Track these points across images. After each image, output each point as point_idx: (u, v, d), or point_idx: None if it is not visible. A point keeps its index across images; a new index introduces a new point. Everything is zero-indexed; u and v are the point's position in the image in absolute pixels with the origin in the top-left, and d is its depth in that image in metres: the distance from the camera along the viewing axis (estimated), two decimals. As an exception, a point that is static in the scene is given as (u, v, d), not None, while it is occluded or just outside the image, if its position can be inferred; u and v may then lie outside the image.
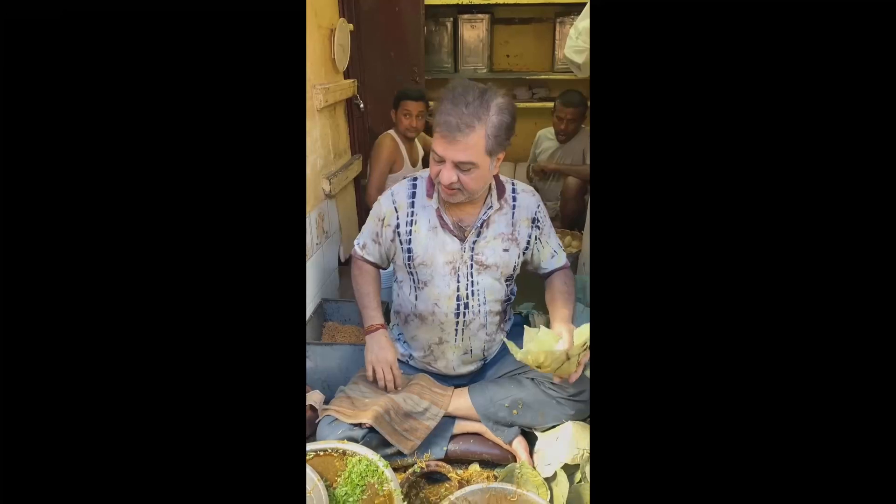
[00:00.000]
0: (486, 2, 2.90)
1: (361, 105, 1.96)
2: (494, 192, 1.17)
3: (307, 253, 1.52)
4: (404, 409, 1.17)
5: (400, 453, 1.14)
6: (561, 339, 1.10)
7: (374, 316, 1.23)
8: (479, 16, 2.98)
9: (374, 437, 1.12)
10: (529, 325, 1.37)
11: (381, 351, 1.19)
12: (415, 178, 1.21)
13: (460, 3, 2.90)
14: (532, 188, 1.25)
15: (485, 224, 1.17)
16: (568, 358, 1.05)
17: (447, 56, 3.09)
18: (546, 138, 2.53)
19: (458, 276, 1.17)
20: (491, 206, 1.16)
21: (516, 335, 1.32)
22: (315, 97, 1.50)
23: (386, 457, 1.10)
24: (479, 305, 1.20)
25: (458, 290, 1.18)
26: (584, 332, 1.08)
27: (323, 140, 1.62)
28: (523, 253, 1.23)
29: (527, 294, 1.89)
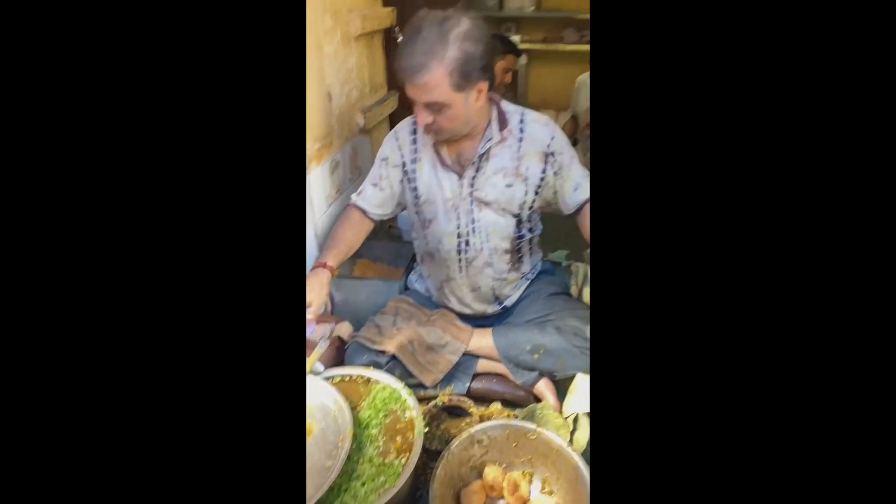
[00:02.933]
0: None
1: (400, 38, 1.87)
2: (495, 124, 1.08)
3: (341, 188, 1.50)
4: (427, 342, 1.18)
5: (422, 385, 1.16)
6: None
7: (327, 255, 1.13)
8: (530, -54, 2.76)
9: (397, 366, 1.15)
10: (566, 274, 1.32)
11: (312, 286, 1.08)
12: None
13: (510, -70, 2.68)
14: (546, 118, 1.14)
15: (484, 158, 1.10)
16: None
17: (427, 10, 2.90)
18: (586, 84, 2.37)
19: (459, 213, 1.14)
20: (491, 139, 1.08)
21: (544, 283, 1.30)
22: (352, 23, 1.44)
23: (409, 387, 1.12)
24: (482, 243, 1.17)
25: (458, 227, 1.15)
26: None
27: (359, 71, 1.56)
28: (536, 191, 1.13)
29: (561, 240, 1.82)
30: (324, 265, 1.12)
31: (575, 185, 1.14)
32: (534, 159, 1.11)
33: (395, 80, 1.91)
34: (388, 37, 1.82)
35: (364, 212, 1.23)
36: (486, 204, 1.12)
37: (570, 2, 2.98)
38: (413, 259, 1.52)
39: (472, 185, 1.11)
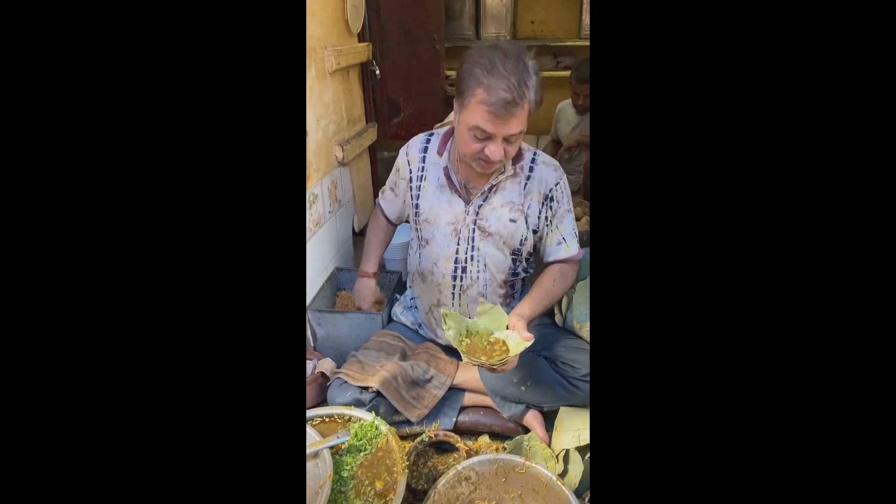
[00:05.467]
0: (509, -37, 2.77)
1: (377, 71, 1.90)
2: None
3: (320, 221, 1.50)
4: (412, 377, 1.15)
5: (408, 422, 1.13)
6: (508, 332, 0.99)
7: (367, 264, 1.36)
8: (503, -21, 2.85)
9: (381, 403, 1.11)
10: (555, 315, 1.28)
11: (362, 292, 1.38)
12: (431, 133, 1.19)
13: (483, -35, 2.78)
14: (556, 162, 1.15)
15: (493, 189, 1.11)
16: (493, 351, 0.96)
17: (469, 22, 2.99)
18: (566, 110, 2.44)
19: (459, 238, 1.14)
20: (503, 172, 1.10)
21: (534, 326, 1.26)
22: (327, 59, 1.46)
23: (394, 424, 1.09)
24: (478, 272, 1.16)
25: (456, 252, 1.15)
26: (521, 346, 0.96)
27: (335, 105, 1.57)
28: (535, 231, 1.14)
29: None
30: (365, 274, 1.37)
31: (559, 240, 1.15)
32: (536, 199, 1.12)
33: (372, 113, 1.94)
34: (366, 70, 1.85)
35: (385, 214, 1.34)
36: (489, 235, 1.13)
37: (545, 31, 3.07)
38: (396, 289, 1.51)
39: (477, 214, 1.12)
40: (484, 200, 1.12)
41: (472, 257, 1.15)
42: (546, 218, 1.13)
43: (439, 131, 1.18)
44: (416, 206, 1.19)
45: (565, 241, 1.15)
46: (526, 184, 1.11)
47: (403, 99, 2.34)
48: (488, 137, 0.97)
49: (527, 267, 1.23)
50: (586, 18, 2.77)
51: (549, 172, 1.13)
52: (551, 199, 1.12)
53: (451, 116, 1.10)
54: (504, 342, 0.98)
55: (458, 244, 1.14)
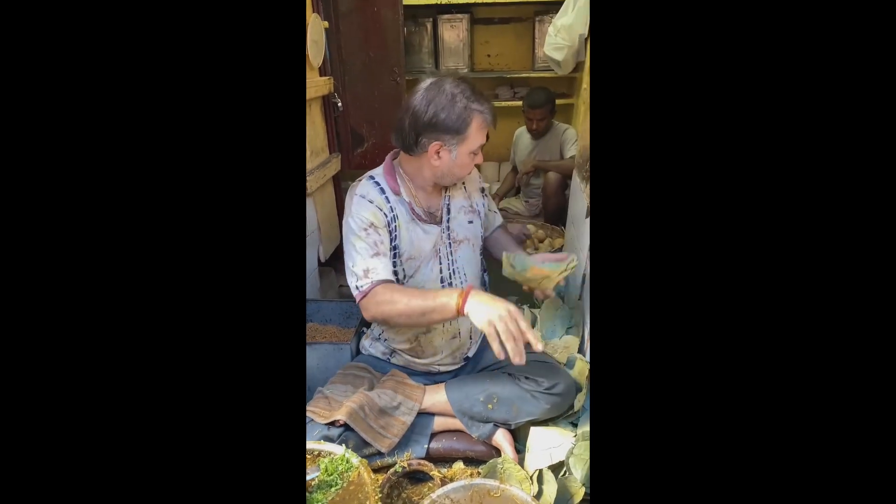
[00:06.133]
0: (464, 1, 2.90)
1: (339, 104, 1.93)
2: None
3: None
4: (379, 405, 1.13)
5: (379, 453, 1.11)
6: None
7: (447, 291, 1.00)
8: (459, 16, 2.97)
9: (350, 436, 1.09)
10: None
11: (496, 303, 0.94)
12: (371, 178, 1.15)
13: (439, 3, 2.89)
14: None
15: (449, 202, 1.21)
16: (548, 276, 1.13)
17: (428, 56, 3.08)
18: (523, 136, 2.55)
19: (440, 257, 1.18)
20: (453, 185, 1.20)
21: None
22: (288, 93, 1.47)
23: (365, 457, 1.06)
24: (462, 283, 1.21)
25: (440, 271, 1.19)
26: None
27: (298, 137, 1.59)
28: (483, 222, 1.29)
29: (509, 287, 1.86)
30: (468, 287, 1.06)
31: (494, 215, 1.38)
32: (477, 195, 1.28)
33: (335, 144, 1.96)
34: (327, 103, 1.87)
35: (387, 281, 1.06)
36: (460, 242, 1.21)
37: (501, 64, 3.21)
38: (362, 322, 1.49)
39: (448, 229, 1.19)
40: (448, 215, 1.20)
41: (454, 271, 1.20)
42: (486, 205, 1.32)
43: (375, 173, 1.15)
44: (396, 248, 1.13)
45: (496, 212, 1.39)
46: (465, 186, 1.25)
47: (367, 130, 2.39)
48: (477, 152, 1.11)
49: (485, 267, 1.34)
50: (539, 52, 2.91)
51: (474, 170, 1.26)
52: (483, 189, 1.32)
53: (394, 157, 1.19)
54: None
55: (441, 263, 1.18)
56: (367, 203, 1.09)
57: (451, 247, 1.20)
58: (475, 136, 1.06)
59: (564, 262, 1.11)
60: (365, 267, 1.05)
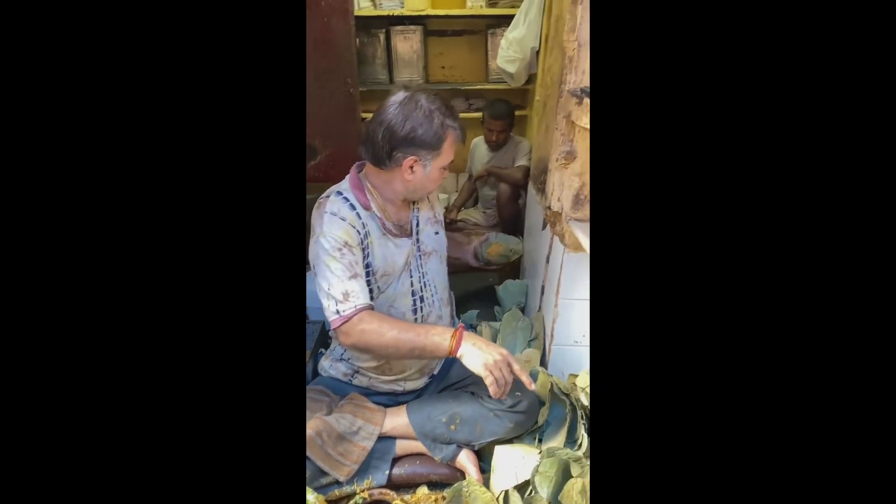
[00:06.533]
0: (416, 13, 2.90)
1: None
2: None
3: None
4: (337, 431, 1.08)
5: (338, 482, 1.05)
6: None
7: (439, 330, 0.99)
8: (412, 27, 2.97)
9: (307, 465, 1.02)
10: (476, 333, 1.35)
11: (490, 348, 0.96)
12: (339, 193, 1.10)
13: (392, 14, 2.88)
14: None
15: (417, 215, 1.19)
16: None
17: (381, 68, 3.06)
18: (480, 146, 2.56)
19: (411, 270, 1.16)
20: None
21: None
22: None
23: (321, 488, 1.00)
24: (432, 296, 1.20)
25: (412, 284, 1.16)
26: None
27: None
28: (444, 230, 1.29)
29: (472, 303, 1.86)
30: (460, 327, 1.03)
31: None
32: (439, 205, 1.31)
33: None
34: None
35: (366, 307, 1.02)
36: (429, 254, 1.21)
37: (455, 76, 3.23)
38: (319, 342, 1.43)
39: (418, 242, 1.19)
40: (418, 227, 1.19)
41: (425, 284, 1.18)
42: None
43: (342, 189, 1.11)
44: (368, 266, 1.09)
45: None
46: (428, 199, 1.24)
47: (320, 142, 2.33)
48: (446, 167, 1.10)
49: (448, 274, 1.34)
50: (493, 64, 2.95)
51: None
52: (438, 196, 1.35)
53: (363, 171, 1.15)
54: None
55: (412, 276, 1.16)
56: (339, 221, 1.05)
57: (420, 259, 1.19)
58: (448, 151, 1.07)
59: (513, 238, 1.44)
60: (343, 290, 1.00)
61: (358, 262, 1.04)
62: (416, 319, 1.17)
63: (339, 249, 1.02)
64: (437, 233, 1.24)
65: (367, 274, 1.08)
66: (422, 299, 1.17)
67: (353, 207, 1.08)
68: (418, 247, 1.19)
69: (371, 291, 1.09)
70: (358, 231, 1.06)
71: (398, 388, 1.22)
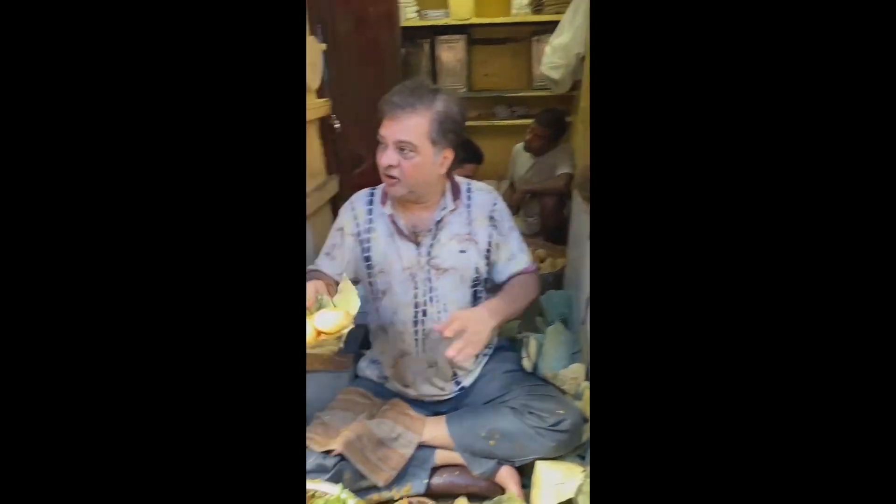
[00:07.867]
0: (460, 22, 2.92)
1: (337, 125, 1.93)
2: (449, 194, 1.14)
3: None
4: (378, 436, 1.09)
5: (376, 488, 1.06)
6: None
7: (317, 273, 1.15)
8: (456, 37, 3.00)
9: (345, 468, 1.04)
10: (522, 349, 1.28)
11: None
12: (373, 188, 1.19)
13: (436, 24, 2.92)
14: (489, 186, 1.22)
15: (439, 226, 1.12)
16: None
17: (426, 76, 3.10)
18: (521, 153, 2.55)
19: (416, 282, 1.13)
20: (445, 208, 1.12)
21: (500, 360, 1.25)
22: (284, 116, 1.46)
23: (360, 491, 1.01)
24: (439, 313, 1.14)
25: (415, 296, 1.13)
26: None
27: (295, 160, 1.57)
28: (486, 256, 1.15)
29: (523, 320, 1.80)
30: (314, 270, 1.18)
31: (510, 256, 1.17)
32: (481, 224, 1.14)
33: (333, 166, 1.94)
34: (325, 125, 1.86)
35: (327, 273, 1.16)
36: (444, 271, 1.12)
37: (498, 83, 3.23)
38: (363, 344, 1.45)
39: (429, 254, 1.12)
40: (433, 239, 1.13)
41: (430, 299, 1.13)
42: (493, 237, 1.15)
43: (381, 186, 1.17)
44: (368, 259, 1.15)
45: (514, 255, 1.17)
46: (468, 213, 1.14)
47: (366, 151, 2.39)
48: (385, 146, 1.03)
49: (487, 296, 1.21)
50: (535, 70, 2.92)
51: (486, 196, 1.17)
52: (493, 219, 1.15)
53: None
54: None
55: (416, 288, 1.13)
56: (348, 208, 1.19)
57: (430, 272, 1.13)
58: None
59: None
60: (317, 260, 1.19)
61: (344, 246, 1.16)
62: (416, 332, 1.15)
63: (337, 229, 1.18)
64: (463, 251, 1.12)
65: (368, 267, 1.15)
66: (425, 313, 1.14)
67: (370, 202, 1.17)
68: (429, 260, 1.12)
69: (372, 285, 1.16)
70: (358, 223, 1.15)
71: (423, 391, 1.20)
